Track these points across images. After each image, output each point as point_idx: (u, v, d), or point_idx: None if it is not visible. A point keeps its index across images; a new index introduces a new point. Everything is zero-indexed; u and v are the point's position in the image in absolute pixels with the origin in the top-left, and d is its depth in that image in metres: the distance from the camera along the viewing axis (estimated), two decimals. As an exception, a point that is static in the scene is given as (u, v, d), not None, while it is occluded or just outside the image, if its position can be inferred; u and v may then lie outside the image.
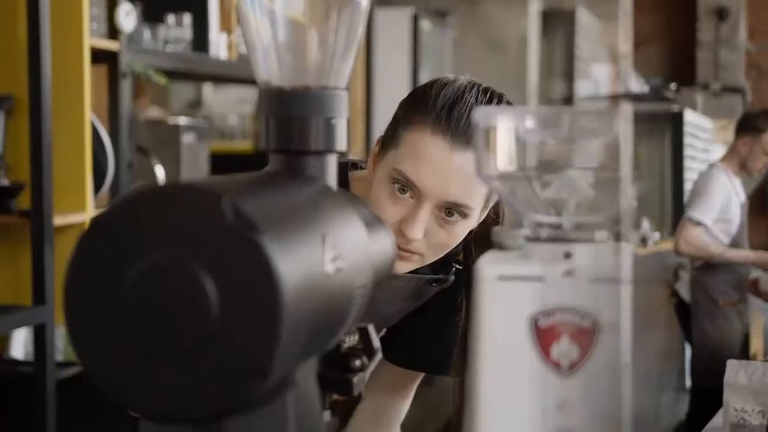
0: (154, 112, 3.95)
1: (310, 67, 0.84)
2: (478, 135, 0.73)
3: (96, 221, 0.65)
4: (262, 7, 0.83)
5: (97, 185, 2.63)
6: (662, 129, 6.90)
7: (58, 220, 2.45)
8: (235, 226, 0.63)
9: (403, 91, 5.61)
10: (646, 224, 6.30)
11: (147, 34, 2.97)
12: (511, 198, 0.75)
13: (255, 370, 0.62)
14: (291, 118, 0.82)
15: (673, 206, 7.12)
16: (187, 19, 3.05)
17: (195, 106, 5.17)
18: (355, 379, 0.78)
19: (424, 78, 5.94)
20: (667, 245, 6.54)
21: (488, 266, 0.71)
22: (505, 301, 0.70)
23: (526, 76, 5.63)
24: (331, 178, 0.84)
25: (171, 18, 3.04)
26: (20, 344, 2.66)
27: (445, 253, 1.27)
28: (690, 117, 6.97)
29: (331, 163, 0.84)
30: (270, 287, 0.63)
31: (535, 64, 5.79)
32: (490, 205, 1.30)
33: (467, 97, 1.24)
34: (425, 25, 5.01)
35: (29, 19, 2.38)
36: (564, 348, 0.69)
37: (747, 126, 4.31)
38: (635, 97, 5.60)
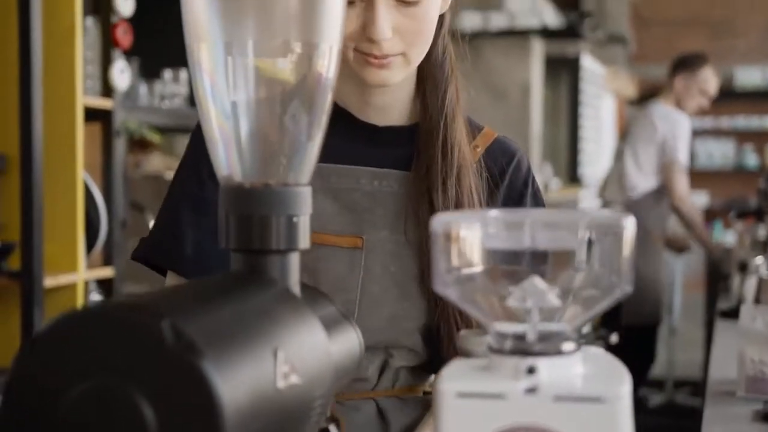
0: (157, 160, 3.94)
1: (271, 163, 0.82)
2: (437, 240, 0.70)
3: (33, 341, 0.63)
4: (222, 102, 0.81)
5: (90, 244, 2.61)
6: (559, 73, 6.93)
7: (49, 281, 2.42)
8: (176, 349, 0.61)
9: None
10: (548, 169, 6.27)
11: (143, 89, 2.96)
12: (473, 307, 0.72)
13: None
14: (251, 216, 0.80)
15: (569, 153, 7.17)
16: (183, 74, 3.05)
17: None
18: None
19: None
20: (569, 192, 6.56)
21: (448, 382, 0.68)
22: (466, 419, 0.67)
23: (530, 122, 5.62)
24: (293, 277, 0.81)
25: (167, 73, 3.04)
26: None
27: (428, 44, 1.18)
28: (586, 62, 7.02)
29: (294, 262, 0.81)
30: (211, 414, 0.60)
31: (538, 110, 5.78)
32: None
33: None
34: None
35: (21, 77, 2.38)
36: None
37: (683, 65, 4.46)
38: (551, 33, 5.57)
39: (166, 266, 1.24)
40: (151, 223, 2.92)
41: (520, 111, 5.53)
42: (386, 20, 1.12)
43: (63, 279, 2.49)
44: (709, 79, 4.39)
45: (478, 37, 5.10)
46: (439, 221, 0.70)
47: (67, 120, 2.49)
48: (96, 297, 2.81)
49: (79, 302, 2.54)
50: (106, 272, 2.72)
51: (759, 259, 3.15)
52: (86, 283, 2.65)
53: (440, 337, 1.20)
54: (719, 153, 10.02)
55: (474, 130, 1.28)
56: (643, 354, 4.47)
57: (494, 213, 0.72)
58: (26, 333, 2.35)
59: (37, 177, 2.38)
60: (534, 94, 5.59)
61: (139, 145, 3.52)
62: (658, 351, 5.66)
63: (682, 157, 4.24)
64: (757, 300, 2.86)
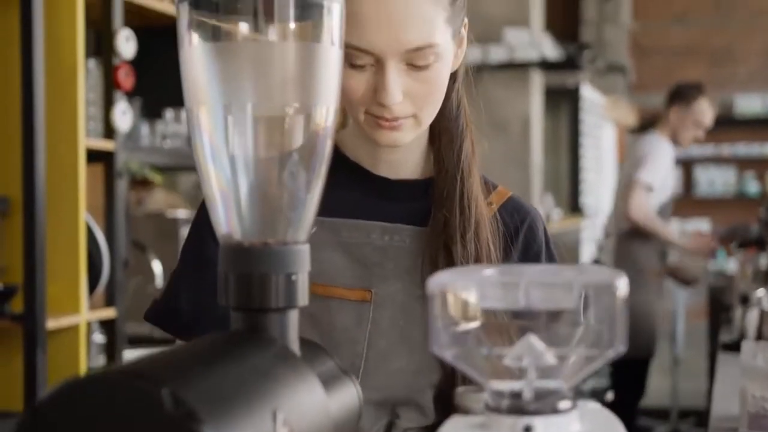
0: (159, 197, 3.96)
1: (270, 222, 0.83)
2: (433, 301, 0.71)
3: (34, 409, 0.63)
4: (221, 162, 0.82)
5: (92, 285, 2.62)
6: (559, 103, 6.95)
7: (52, 324, 2.43)
8: (176, 417, 0.61)
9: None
10: (549, 200, 6.28)
11: (145, 129, 2.98)
12: (469, 366, 0.72)
13: None
14: (251, 274, 0.81)
15: (570, 183, 7.18)
16: (184, 114, 3.07)
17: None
18: None
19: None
20: (571, 222, 6.58)
21: (445, 442, 0.69)
22: (463, 480, 0.68)
23: (530, 154, 5.64)
24: (292, 335, 0.82)
25: (169, 113, 3.06)
26: (13, 447, 2.62)
27: (438, 105, 1.17)
28: (586, 92, 7.04)
29: (293, 319, 0.82)
30: (211, 480, 0.61)
31: (539, 142, 5.80)
32: (462, 28, 1.22)
33: None
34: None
35: (24, 119, 2.40)
36: None
37: (678, 96, 4.45)
38: (550, 66, 5.60)
39: (167, 330, 1.25)
40: (154, 262, 2.93)
41: (521, 142, 5.55)
42: (397, 85, 1.11)
43: (65, 321, 2.49)
44: (705, 111, 4.39)
45: (478, 70, 5.12)
46: (436, 282, 0.71)
47: (69, 162, 2.50)
48: (98, 338, 2.82)
49: (82, 344, 2.55)
50: (109, 313, 2.73)
51: (761, 292, 3.15)
52: (89, 324, 2.66)
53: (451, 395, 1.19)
54: (720, 180, 10.04)
55: (489, 187, 1.27)
56: (634, 386, 4.47)
57: (489, 272, 0.73)
58: (29, 376, 2.35)
59: (40, 220, 2.39)
60: (534, 125, 5.61)
61: (141, 182, 3.54)
62: (662, 381, 5.65)
63: (645, 176, 4.22)
64: (759, 333, 2.86)
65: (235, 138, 0.82)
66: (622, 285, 0.69)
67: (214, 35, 0.80)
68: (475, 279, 0.71)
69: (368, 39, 1.10)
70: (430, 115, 1.17)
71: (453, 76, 1.25)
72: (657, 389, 6.51)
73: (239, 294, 0.81)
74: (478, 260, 1.18)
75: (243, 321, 0.81)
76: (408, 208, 1.24)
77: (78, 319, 2.53)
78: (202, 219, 1.22)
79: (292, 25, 0.81)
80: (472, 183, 1.22)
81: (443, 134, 1.24)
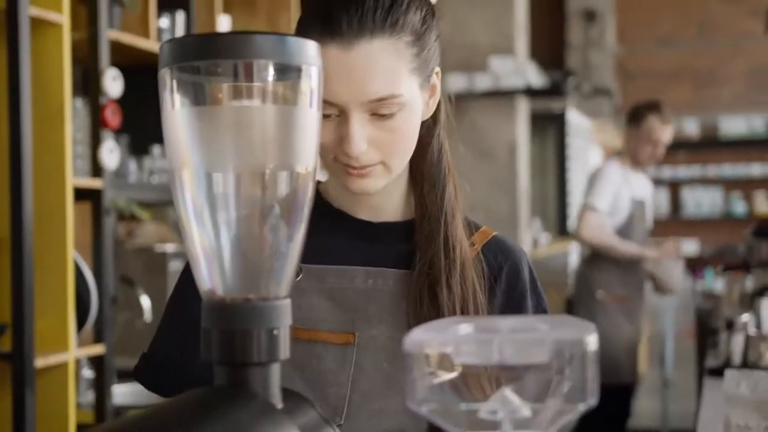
0: (149, 229, 3.97)
1: (252, 278, 0.85)
2: (410, 358, 0.74)
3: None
4: (204, 222, 0.84)
5: (81, 322, 2.63)
6: (545, 128, 6.99)
7: (40, 362, 2.44)
8: (159, 480, 0.63)
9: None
10: (537, 225, 6.30)
11: (133, 165, 3.00)
12: (446, 419, 0.74)
13: None
14: (233, 330, 0.83)
15: (557, 207, 7.21)
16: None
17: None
18: None
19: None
20: (559, 246, 6.60)
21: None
22: None
23: (517, 179, 5.68)
24: (275, 388, 0.84)
25: (156, 149, 3.09)
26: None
27: (409, 152, 1.18)
28: (572, 117, 7.09)
29: (275, 372, 0.84)
30: None
31: (525, 167, 5.84)
32: (433, 76, 1.22)
33: None
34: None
35: (12, 158, 2.41)
36: None
37: (630, 118, 4.47)
38: (535, 92, 5.63)
39: (152, 389, 1.27)
40: (142, 297, 2.94)
41: (508, 169, 5.59)
42: (360, 135, 1.13)
43: (54, 358, 2.50)
44: (655, 128, 4.33)
45: (463, 98, 5.18)
46: (412, 339, 0.73)
47: (57, 200, 2.52)
48: (87, 373, 2.83)
49: (71, 381, 2.55)
50: (97, 349, 2.74)
51: (745, 317, 3.17)
52: (77, 361, 2.67)
53: None
54: (707, 201, 10.11)
55: (471, 227, 1.29)
56: (618, 413, 4.44)
57: (465, 328, 0.76)
58: (17, 415, 2.35)
59: (28, 258, 2.41)
60: (520, 151, 5.65)
61: (131, 215, 3.56)
62: (652, 402, 5.66)
63: (591, 198, 4.22)
64: (744, 359, 2.87)
65: (217, 198, 0.84)
66: (592, 340, 0.71)
67: (196, 99, 0.83)
68: (450, 336, 0.74)
69: (331, 90, 1.12)
70: (399, 162, 1.18)
71: (434, 122, 1.26)
72: (646, 411, 6.53)
73: (222, 349, 0.83)
74: (464, 302, 1.20)
75: (226, 376, 0.84)
76: (391, 250, 1.26)
77: (67, 357, 2.54)
78: (186, 278, 1.24)
79: (272, 89, 0.83)
80: (456, 226, 1.24)
81: (425, 179, 1.26)
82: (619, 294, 4.29)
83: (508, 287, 1.27)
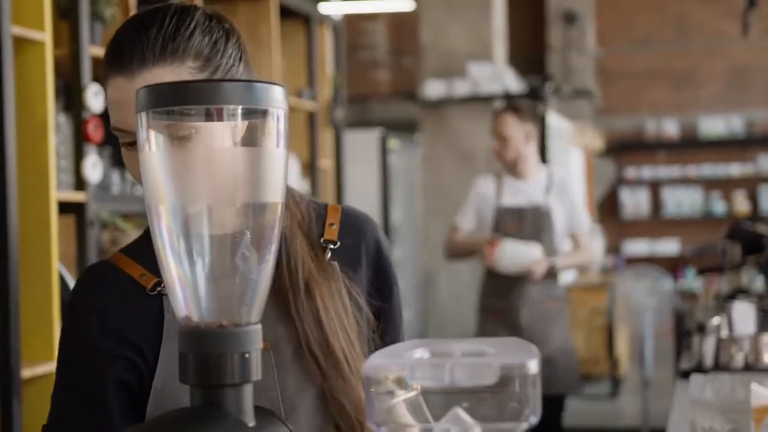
0: (134, 235, 4.02)
1: (225, 306, 0.92)
2: (368, 382, 0.80)
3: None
4: (179, 254, 0.91)
5: (66, 332, 2.68)
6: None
7: (27, 373, 2.49)
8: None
9: (373, 208, 5.67)
10: None
11: (116, 177, 3.06)
12: (403, 437, 0.81)
13: None
14: (208, 354, 0.89)
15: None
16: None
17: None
18: None
19: (395, 194, 6.10)
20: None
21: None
22: None
23: (497, 183, 5.74)
24: (247, 407, 0.90)
25: (138, 161, 3.14)
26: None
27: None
28: (552, 120, 7.16)
29: (247, 393, 0.91)
30: None
31: (505, 171, 5.91)
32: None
33: (144, 18, 1.19)
34: (393, 143, 5.13)
35: (-4, 175, 2.47)
36: None
37: None
38: (514, 98, 5.64)
39: None
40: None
41: (487, 173, 5.66)
42: None
43: (39, 369, 2.56)
44: (496, 122, 4.06)
45: (443, 103, 5.25)
46: (370, 365, 0.80)
47: (41, 214, 2.57)
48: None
49: (57, 390, 2.61)
50: (83, 358, 2.79)
51: (716, 320, 3.24)
52: (63, 371, 2.72)
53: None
54: (687, 201, 10.22)
55: (319, 209, 1.33)
56: (549, 426, 4.22)
57: (419, 353, 0.82)
58: (5, 425, 2.41)
59: (13, 271, 2.46)
60: (500, 155, 5.72)
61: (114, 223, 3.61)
62: (633, 401, 5.72)
63: (457, 218, 4.14)
64: (716, 361, 2.94)
65: (191, 231, 0.91)
66: (533, 365, 0.78)
67: (170, 141, 0.90)
68: (405, 361, 0.80)
69: (120, 119, 1.19)
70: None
71: None
72: (627, 409, 6.62)
73: (197, 372, 0.90)
74: (317, 319, 1.25)
75: (201, 397, 0.90)
76: None
77: (52, 367, 2.59)
78: (74, 332, 1.26)
79: (241, 130, 0.90)
80: (296, 246, 1.28)
81: None
82: (493, 308, 4.10)
83: (372, 258, 1.34)
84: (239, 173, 0.89)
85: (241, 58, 1.25)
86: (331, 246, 1.30)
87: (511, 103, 4.17)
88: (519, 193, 4.05)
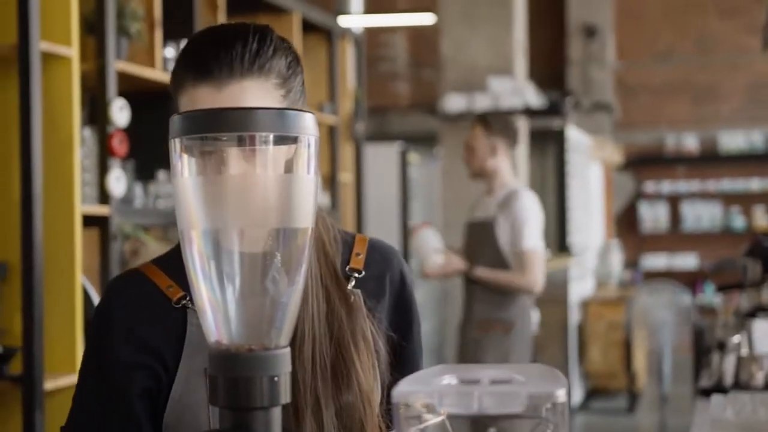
0: (154, 247, 4.04)
1: (255, 329, 0.93)
2: (396, 408, 0.81)
3: None
4: (211, 279, 0.92)
5: (89, 345, 2.70)
6: (544, 145, 7.03)
7: (49, 385, 2.51)
8: None
9: (393, 223, 5.61)
10: None
11: (139, 191, 3.08)
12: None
13: None
14: (237, 378, 0.90)
15: (557, 224, 7.26)
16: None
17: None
18: None
19: (415, 207, 6.11)
20: (559, 262, 6.64)
21: None
22: None
23: (517, 198, 5.73)
24: (275, 430, 0.92)
25: (162, 174, 3.17)
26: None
27: None
28: (571, 133, 7.15)
29: (276, 416, 0.92)
30: None
31: (525, 185, 5.91)
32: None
33: (225, 32, 1.22)
34: (413, 158, 5.14)
35: (23, 188, 2.49)
36: None
37: None
38: (534, 112, 5.64)
39: None
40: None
41: (507, 187, 5.65)
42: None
43: (62, 381, 2.58)
44: (470, 134, 4.14)
45: (463, 117, 5.25)
46: (399, 391, 0.81)
47: (66, 227, 2.60)
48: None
49: (79, 402, 2.63)
50: (104, 370, 2.81)
51: (737, 338, 3.22)
52: (85, 382, 2.74)
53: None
54: (707, 215, 10.17)
55: (347, 237, 1.35)
56: None
57: (447, 380, 0.83)
58: (28, 436, 2.43)
59: (38, 284, 2.49)
60: (520, 170, 5.72)
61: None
62: (650, 417, 5.68)
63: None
64: (736, 379, 2.93)
65: (222, 256, 0.92)
66: (561, 393, 0.79)
67: (203, 168, 0.91)
68: (434, 388, 0.81)
69: None
70: None
71: None
72: (645, 425, 6.59)
73: (227, 395, 0.91)
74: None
75: (230, 420, 0.91)
76: None
77: (75, 379, 2.61)
78: (100, 340, 1.28)
79: (273, 157, 0.91)
80: (320, 272, 1.29)
81: None
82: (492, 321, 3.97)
83: (396, 290, 1.36)
84: (271, 199, 0.91)
85: (302, 85, 1.28)
86: (356, 275, 1.32)
87: (482, 116, 4.17)
88: (484, 208, 4.05)
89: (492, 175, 4.00)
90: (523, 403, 0.79)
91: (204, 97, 1.20)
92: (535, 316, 4.16)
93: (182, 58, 1.23)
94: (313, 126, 0.93)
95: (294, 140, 0.91)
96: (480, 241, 3.99)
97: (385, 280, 1.35)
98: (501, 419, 0.81)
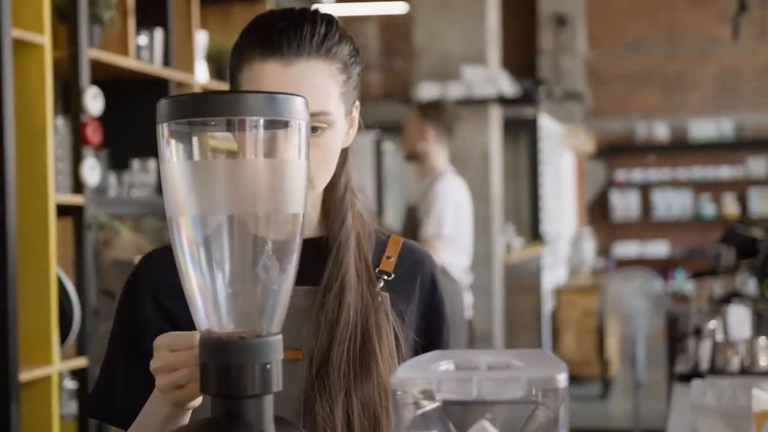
0: (127, 237, 3.99)
1: (246, 317, 0.92)
2: (395, 395, 0.80)
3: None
4: (201, 267, 0.91)
5: (64, 335, 2.67)
6: (517, 134, 7.09)
7: (24, 376, 2.48)
8: None
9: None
10: (510, 230, 6.37)
11: (113, 180, 3.05)
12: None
13: None
14: (229, 366, 0.89)
15: (530, 211, 7.33)
16: (151, 164, 3.14)
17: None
18: None
19: (389, 197, 6.10)
20: (532, 250, 6.68)
21: None
22: None
23: (490, 186, 5.75)
24: (268, 417, 0.90)
25: (136, 163, 3.13)
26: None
27: (331, 172, 1.24)
28: (544, 122, 7.21)
29: (268, 404, 0.90)
30: None
31: (498, 174, 5.92)
32: (354, 109, 1.28)
33: (293, 14, 1.24)
34: (388, 146, 5.12)
35: (-5, 178, 2.46)
36: None
37: None
38: (507, 101, 5.69)
39: (109, 423, 1.30)
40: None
41: (481, 175, 5.66)
42: None
43: (38, 372, 2.55)
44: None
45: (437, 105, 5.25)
46: (397, 379, 0.80)
47: (39, 217, 2.56)
48: (70, 384, 2.87)
49: (54, 394, 2.60)
50: (80, 362, 2.78)
51: (713, 323, 3.25)
52: (60, 374, 2.71)
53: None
54: (677, 203, 10.24)
55: (383, 238, 1.35)
56: None
57: (445, 366, 0.82)
58: (2, 427, 2.40)
59: (12, 274, 2.45)
60: (493, 158, 5.73)
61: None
62: (624, 403, 5.71)
63: None
64: (712, 365, 2.95)
65: (211, 243, 0.90)
66: (562, 378, 0.78)
67: (191, 153, 0.89)
68: (432, 374, 0.80)
69: None
70: (322, 179, 1.24)
71: (344, 155, 1.30)
72: (619, 411, 6.63)
73: (218, 383, 0.89)
74: (334, 323, 1.23)
75: (222, 407, 0.90)
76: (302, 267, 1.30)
77: (50, 370, 2.58)
78: (129, 303, 1.27)
79: (263, 142, 0.90)
80: (348, 247, 1.28)
81: (331, 208, 1.30)
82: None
83: (426, 294, 1.35)
84: (261, 184, 0.89)
85: (359, 74, 1.28)
86: (385, 277, 1.31)
87: (422, 102, 4.23)
88: (417, 193, 4.13)
89: (422, 159, 4.07)
90: (523, 388, 0.78)
91: (270, 72, 1.19)
92: (468, 299, 4.12)
93: (248, 33, 1.23)
94: (303, 110, 0.92)
95: (285, 125, 0.90)
96: (409, 227, 4.04)
97: (416, 283, 1.34)
98: (499, 405, 0.81)
